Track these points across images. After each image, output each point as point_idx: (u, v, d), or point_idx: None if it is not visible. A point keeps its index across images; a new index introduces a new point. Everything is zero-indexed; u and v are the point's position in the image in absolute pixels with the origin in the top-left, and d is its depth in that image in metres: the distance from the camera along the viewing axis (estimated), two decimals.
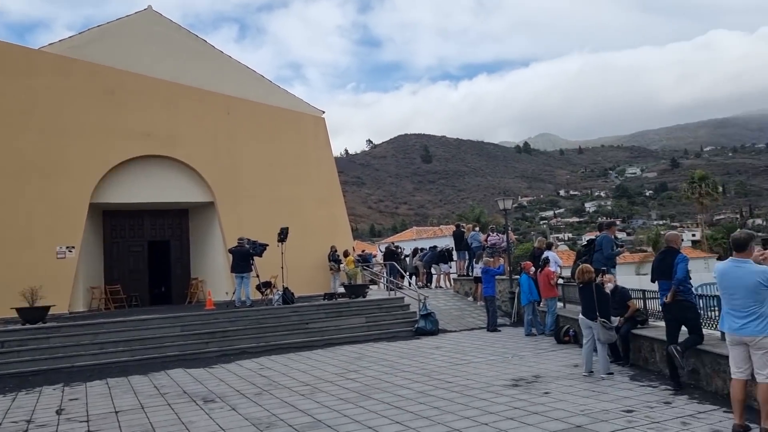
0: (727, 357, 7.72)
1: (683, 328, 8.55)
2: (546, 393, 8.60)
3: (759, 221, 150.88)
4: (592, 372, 9.68)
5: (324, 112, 25.04)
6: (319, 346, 15.14)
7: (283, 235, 17.88)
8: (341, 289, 20.13)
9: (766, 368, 6.01)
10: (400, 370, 11.12)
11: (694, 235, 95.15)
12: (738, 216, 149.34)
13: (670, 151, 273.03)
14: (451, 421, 7.26)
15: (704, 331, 8.62)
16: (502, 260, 18.92)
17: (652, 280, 9.21)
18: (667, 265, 8.38)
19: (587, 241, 11.86)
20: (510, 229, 20.88)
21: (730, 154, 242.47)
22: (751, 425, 6.21)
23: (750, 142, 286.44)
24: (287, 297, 17.54)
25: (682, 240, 8.98)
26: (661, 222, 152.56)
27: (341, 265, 21.99)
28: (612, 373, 9.61)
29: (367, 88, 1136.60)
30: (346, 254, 22.40)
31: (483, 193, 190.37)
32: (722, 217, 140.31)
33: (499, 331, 16.23)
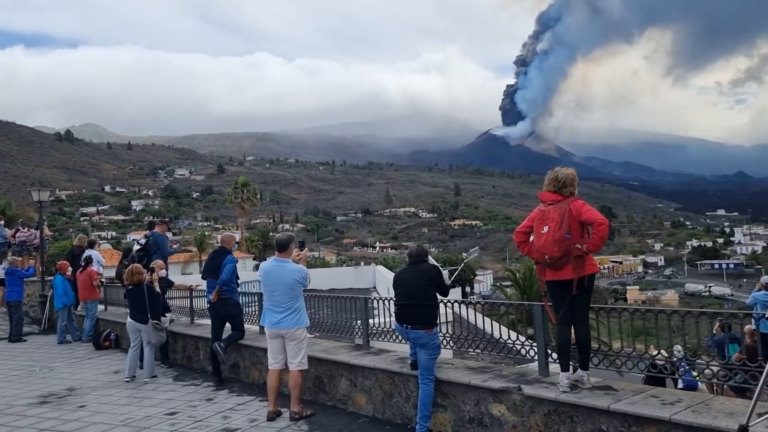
0: (265, 350, 8.28)
1: (227, 324, 8.87)
2: (82, 406, 7.72)
3: (287, 226, 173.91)
4: (134, 377, 9.18)
5: None
6: None
7: None
8: None
9: (297, 357, 6.67)
10: None
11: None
12: (271, 221, 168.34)
13: (217, 157, 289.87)
14: None
15: (246, 326, 9.11)
16: (33, 260, 16.54)
17: (203, 278, 9.31)
18: (216, 265, 8.57)
19: (144, 237, 11.20)
20: (45, 224, 18.43)
21: (268, 165, 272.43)
22: (283, 410, 6.77)
23: (284, 156, 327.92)
24: None
25: (237, 242, 9.28)
26: (206, 223, 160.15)
27: None
28: (156, 376, 9.30)
29: None
30: None
31: (12, 183, 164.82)
32: (258, 221, 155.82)
33: (25, 341, 14.08)
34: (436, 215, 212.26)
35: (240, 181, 55.94)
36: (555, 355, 5.44)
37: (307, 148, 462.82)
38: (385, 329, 7.36)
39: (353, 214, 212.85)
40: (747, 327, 10.52)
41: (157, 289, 9.73)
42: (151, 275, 9.76)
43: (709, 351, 11.76)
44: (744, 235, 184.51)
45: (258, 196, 57.12)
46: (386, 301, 7.37)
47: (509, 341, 6.10)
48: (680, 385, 11.12)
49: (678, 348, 11.57)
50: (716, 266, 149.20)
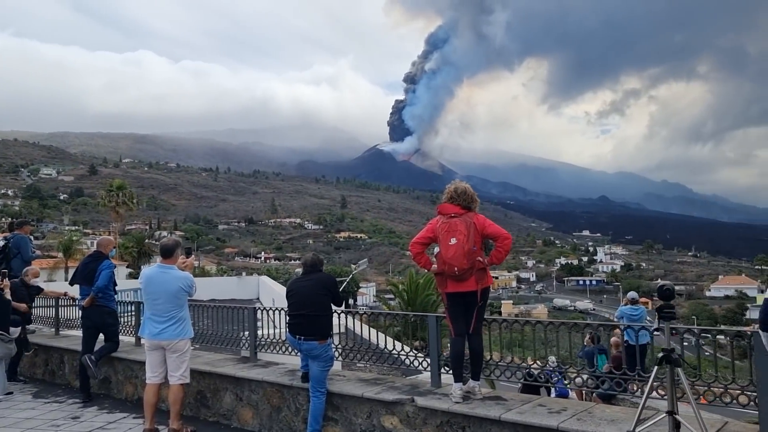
0: (141, 363, 7.75)
1: (100, 336, 8.18)
2: None
3: (165, 233, 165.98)
4: None
5: None
6: None
7: None
8: None
9: (179, 370, 6.25)
10: None
11: None
12: (148, 227, 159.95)
13: (89, 157, 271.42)
14: None
15: (120, 337, 8.46)
16: None
17: (71, 284, 8.51)
18: (91, 270, 7.87)
19: (3, 240, 10.05)
20: None
21: (146, 169, 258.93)
22: (161, 427, 6.30)
23: (164, 160, 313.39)
24: None
25: (115, 247, 8.56)
26: (74, 227, 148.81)
27: None
28: (11, 393, 8.36)
29: None
30: None
31: None
32: (134, 227, 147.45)
33: None
34: (321, 227, 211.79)
35: (115, 183, 52.59)
36: (446, 367, 5.50)
37: (190, 153, 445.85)
38: (273, 341, 7.11)
39: (236, 223, 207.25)
40: (613, 339, 11.32)
41: (7, 296, 8.68)
42: (2, 281, 8.69)
43: (580, 361, 12.52)
44: (605, 255, 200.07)
45: (134, 201, 53.86)
46: (274, 312, 7.14)
47: (402, 353, 6.09)
48: (553, 394, 11.71)
49: (552, 358, 12.25)
50: (581, 282, 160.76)
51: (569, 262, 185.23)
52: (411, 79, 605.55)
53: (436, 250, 5.07)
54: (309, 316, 5.60)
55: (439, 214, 5.20)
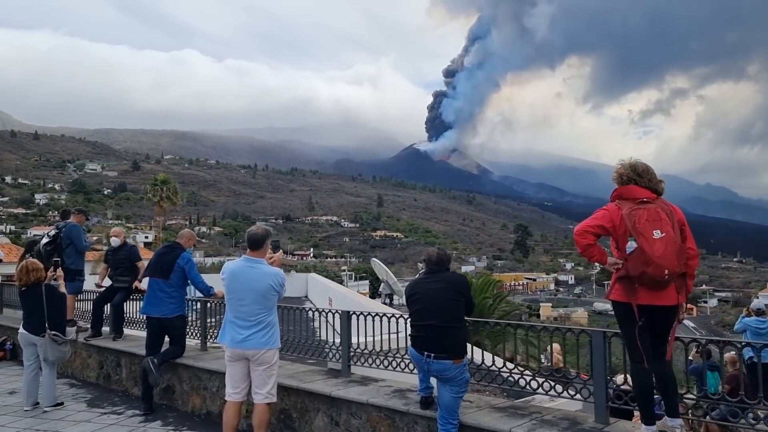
0: (209, 372, 6.75)
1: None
2: None
3: (204, 229, 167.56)
4: (37, 404, 7.23)
5: None
6: None
7: None
8: None
9: (266, 386, 5.15)
10: None
11: (147, 237, 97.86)
12: (188, 222, 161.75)
13: (132, 154, 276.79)
14: None
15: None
16: None
17: (142, 277, 7.55)
18: (167, 262, 6.89)
19: (55, 229, 9.12)
20: None
21: (187, 165, 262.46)
22: None
23: (204, 157, 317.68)
24: None
25: (195, 244, 7.49)
26: (117, 221, 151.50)
27: None
28: (62, 404, 7.34)
29: None
30: None
31: None
32: (174, 222, 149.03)
33: None
34: (358, 225, 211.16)
35: (160, 178, 52.35)
36: (616, 401, 4.28)
37: (229, 150, 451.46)
38: (367, 351, 5.95)
39: (273, 220, 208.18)
40: (728, 354, 9.82)
41: (63, 289, 7.68)
42: (55, 272, 7.68)
43: (690, 380, 11.10)
44: None
45: (178, 195, 53.61)
46: (367, 318, 5.99)
47: (556, 374, 4.85)
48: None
49: None
50: None
51: None
52: (452, 74, 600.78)
53: (631, 245, 3.79)
54: (441, 328, 4.40)
55: (618, 199, 3.95)
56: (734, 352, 9.54)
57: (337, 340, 6.26)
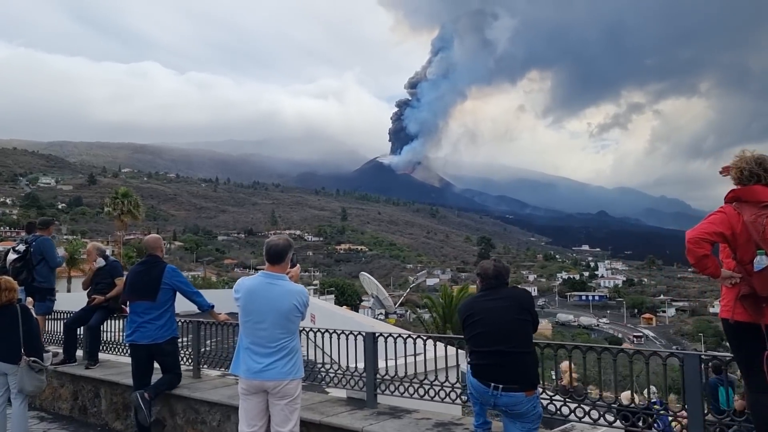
0: (207, 403, 5.94)
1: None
2: None
3: (165, 243, 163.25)
4: None
5: None
6: None
7: None
8: None
9: (288, 423, 4.40)
10: None
11: None
12: None
13: (88, 167, 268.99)
14: None
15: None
16: None
17: (123, 301, 6.62)
18: (152, 280, 5.96)
19: (23, 243, 8.10)
20: None
21: (146, 179, 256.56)
22: None
23: (164, 171, 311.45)
24: None
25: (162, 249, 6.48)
26: (71, 237, 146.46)
27: None
28: None
29: None
30: None
31: None
32: (132, 237, 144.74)
33: None
34: (322, 239, 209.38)
35: (120, 191, 50.57)
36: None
37: (189, 164, 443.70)
38: (396, 378, 5.26)
39: (236, 234, 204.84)
40: None
41: (34, 313, 6.68)
42: (26, 298, 6.67)
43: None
44: (606, 270, 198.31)
45: (139, 209, 51.78)
46: (396, 339, 5.32)
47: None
48: None
49: (653, 389, 10.39)
50: (583, 298, 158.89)
51: (571, 276, 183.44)
52: (415, 85, 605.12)
53: (761, 260, 3.17)
54: (511, 354, 3.74)
55: (737, 201, 3.37)
56: None
57: (359, 364, 5.55)
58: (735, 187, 3.43)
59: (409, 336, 5.31)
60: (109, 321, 8.13)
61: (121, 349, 7.78)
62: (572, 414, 4.32)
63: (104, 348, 8.10)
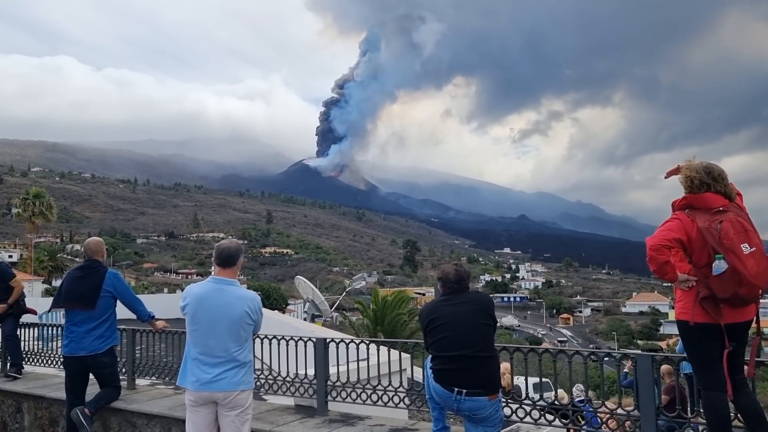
0: (145, 415, 5.66)
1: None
2: None
3: (78, 247, 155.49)
4: None
5: None
6: None
7: None
8: None
9: None
10: None
11: (11, 256, 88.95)
12: (59, 240, 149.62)
13: None
14: None
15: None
16: None
17: (54, 307, 6.17)
18: (92, 287, 5.54)
19: None
20: None
21: (58, 179, 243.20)
22: None
23: (78, 170, 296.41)
24: None
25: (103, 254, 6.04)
26: None
27: None
28: None
29: None
30: None
31: None
32: (42, 240, 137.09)
33: None
34: (246, 242, 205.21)
35: (32, 192, 47.71)
36: None
37: (106, 164, 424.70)
38: (345, 384, 5.18)
39: (156, 237, 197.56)
40: (665, 366, 9.90)
41: None
42: None
43: (625, 392, 11.14)
44: (527, 272, 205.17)
45: (52, 211, 49.04)
46: (348, 345, 5.24)
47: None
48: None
49: (579, 386, 10.74)
50: (505, 299, 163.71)
51: (493, 278, 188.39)
52: (342, 86, 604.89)
53: (720, 264, 3.31)
54: (475, 359, 3.74)
55: (690, 208, 3.51)
56: (668, 365, 9.62)
57: (308, 371, 5.42)
58: (685, 194, 3.58)
59: (362, 341, 5.24)
60: (22, 330, 7.61)
61: (46, 361, 7.29)
62: (514, 414, 4.42)
63: (26, 359, 7.57)
